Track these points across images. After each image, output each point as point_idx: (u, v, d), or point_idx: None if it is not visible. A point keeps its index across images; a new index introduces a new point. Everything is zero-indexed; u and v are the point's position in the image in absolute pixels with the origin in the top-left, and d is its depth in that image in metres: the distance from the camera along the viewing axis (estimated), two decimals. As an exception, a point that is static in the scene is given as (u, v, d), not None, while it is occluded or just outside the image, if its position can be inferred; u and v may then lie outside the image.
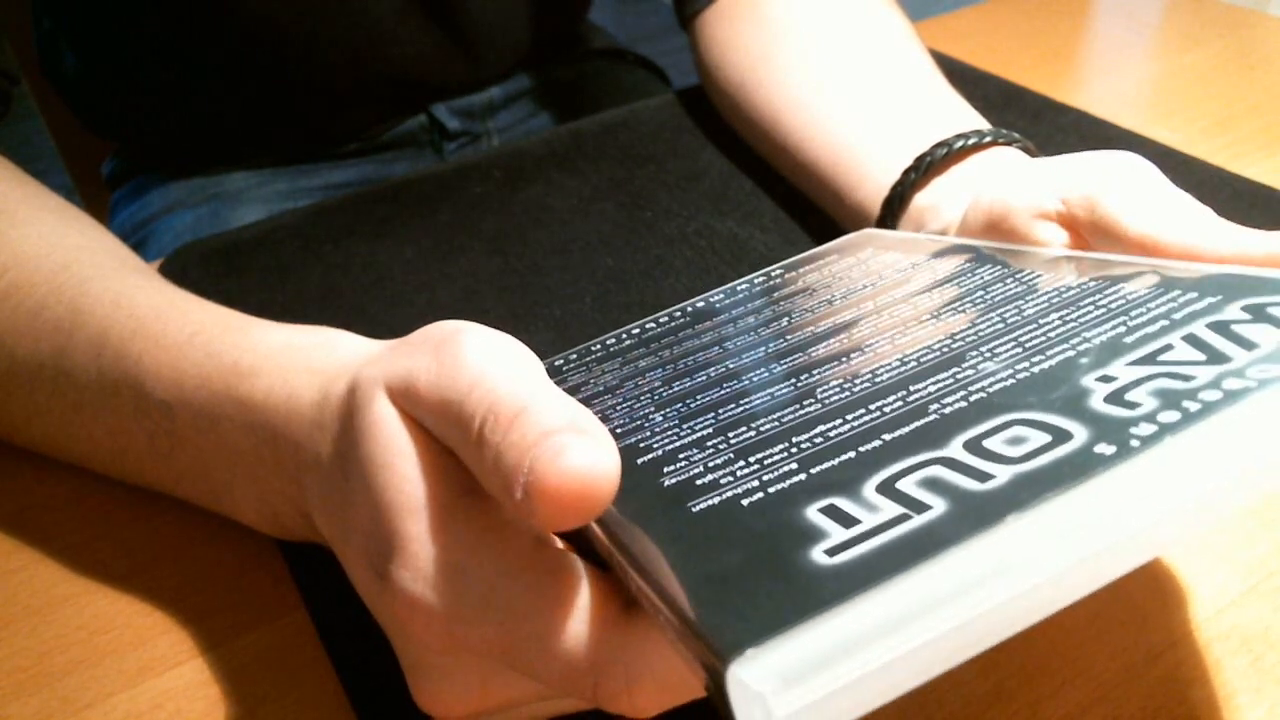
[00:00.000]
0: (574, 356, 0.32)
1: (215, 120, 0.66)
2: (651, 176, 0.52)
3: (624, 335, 0.33)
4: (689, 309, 0.33)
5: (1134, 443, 0.16)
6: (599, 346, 0.32)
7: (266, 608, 0.31)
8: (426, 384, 0.21)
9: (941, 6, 0.72)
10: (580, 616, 0.20)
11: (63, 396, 0.33)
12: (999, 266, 0.27)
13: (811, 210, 0.48)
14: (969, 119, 0.43)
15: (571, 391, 0.29)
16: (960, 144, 0.39)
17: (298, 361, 0.27)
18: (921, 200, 0.40)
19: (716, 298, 0.34)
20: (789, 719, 0.14)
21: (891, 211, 0.41)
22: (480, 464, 0.20)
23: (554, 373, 0.31)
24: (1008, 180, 0.33)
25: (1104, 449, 0.17)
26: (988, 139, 0.39)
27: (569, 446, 0.18)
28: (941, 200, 0.39)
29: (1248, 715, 0.27)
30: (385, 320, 0.43)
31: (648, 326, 0.33)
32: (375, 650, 0.28)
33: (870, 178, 0.42)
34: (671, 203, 0.50)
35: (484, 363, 0.21)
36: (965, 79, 0.59)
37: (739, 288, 0.34)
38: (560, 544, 0.23)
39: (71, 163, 0.81)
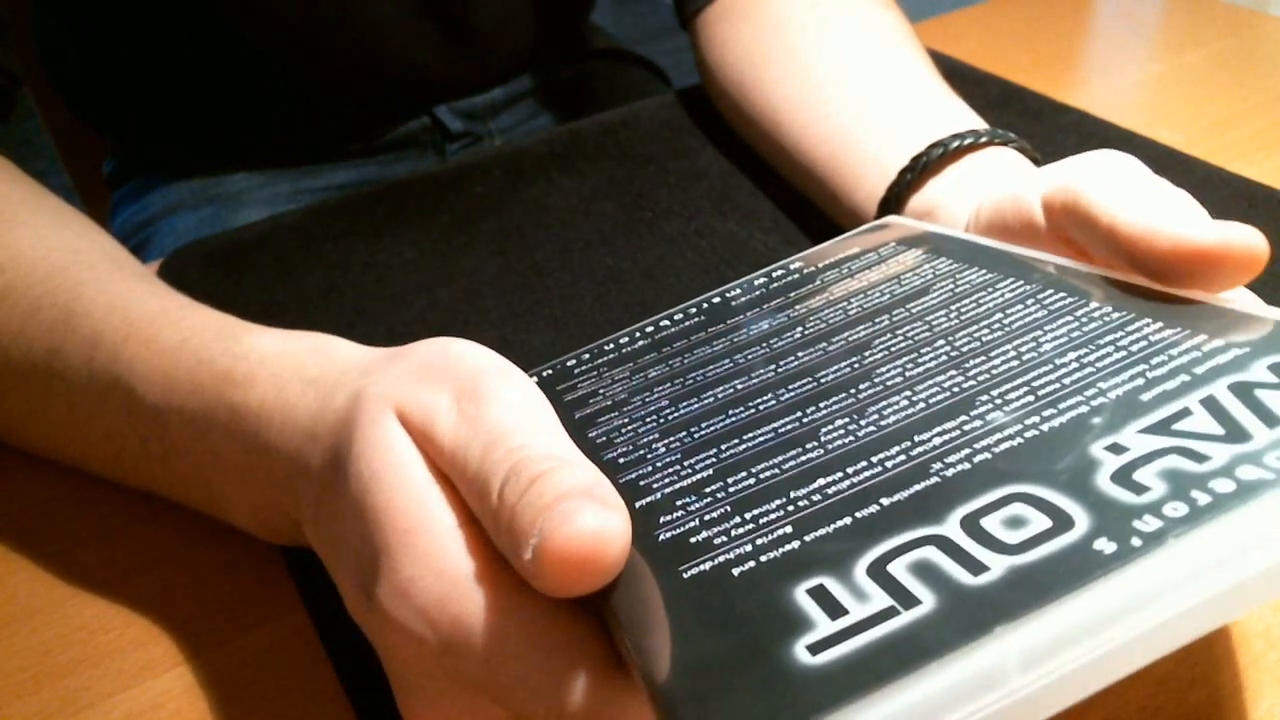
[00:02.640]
0: (586, 357, 0.32)
1: (217, 120, 0.66)
2: (651, 176, 0.52)
3: (637, 334, 0.32)
4: (704, 305, 0.33)
5: (1135, 540, 0.16)
6: (611, 346, 0.32)
7: (266, 608, 0.31)
8: (447, 430, 0.21)
9: (941, 6, 0.72)
10: (570, 664, 0.19)
11: (57, 398, 0.33)
12: (1020, 283, 0.27)
13: (812, 210, 0.48)
14: (967, 119, 0.43)
15: (581, 401, 0.29)
16: (956, 144, 0.39)
17: (291, 370, 0.27)
18: (918, 201, 0.40)
19: (733, 293, 0.33)
20: None
21: (888, 212, 0.41)
22: (494, 521, 0.20)
23: (566, 375, 0.31)
24: (1002, 187, 0.33)
25: (1104, 545, 0.16)
26: (984, 139, 0.39)
27: (580, 511, 0.18)
28: (939, 201, 0.39)
29: (1248, 715, 0.27)
30: (385, 320, 0.43)
31: (661, 324, 0.32)
32: (375, 650, 0.28)
33: (868, 178, 0.42)
34: (672, 203, 0.50)
35: (508, 420, 0.21)
36: (965, 79, 0.59)
37: (756, 283, 0.33)
38: None
39: (71, 163, 0.81)
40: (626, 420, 0.26)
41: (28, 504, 0.35)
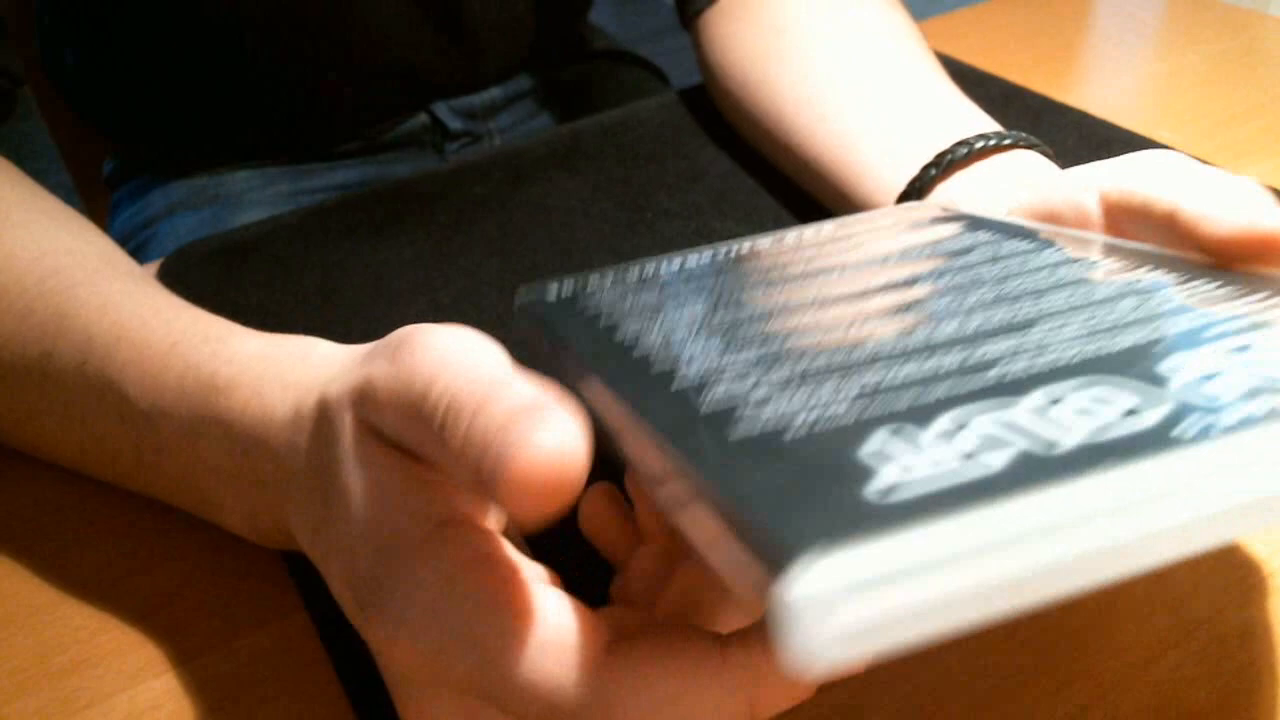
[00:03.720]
0: (608, 282, 0.30)
1: (216, 119, 0.66)
2: (651, 176, 0.52)
3: (663, 262, 0.31)
4: (734, 250, 0.32)
5: (1216, 430, 0.15)
6: (634, 274, 0.31)
7: (266, 608, 0.31)
8: (384, 388, 0.21)
9: (941, 6, 0.72)
10: (561, 657, 0.19)
11: (51, 401, 0.33)
12: (1067, 250, 0.26)
13: (812, 211, 0.48)
14: (978, 118, 0.43)
15: (596, 316, 0.27)
16: (981, 144, 0.39)
17: (271, 373, 0.27)
18: (936, 198, 0.39)
19: (764, 242, 0.32)
20: (841, 635, 0.13)
21: None
22: (446, 460, 0.19)
23: (586, 293, 0.29)
24: (1043, 182, 0.33)
25: (1184, 430, 0.16)
26: (1008, 141, 0.39)
27: (535, 427, 0.17)
28: (958, 200, 0.38)
29: (1247, 715, 0.27)
30: (385, 320, 0.43)
31: (689, 258, 0.31)
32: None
33: (878, 175, 0.42)
34: (671, 203, 0.50)
35: (439, 357, 0.20)
36: (965, 79, 0.59)
37: (788, 236, 0.33)
38: (542, 575, 0.22)
39: (71, 163, 0.81)
40: (657, 326, 0.26)
41: (27, 504, 0.35)
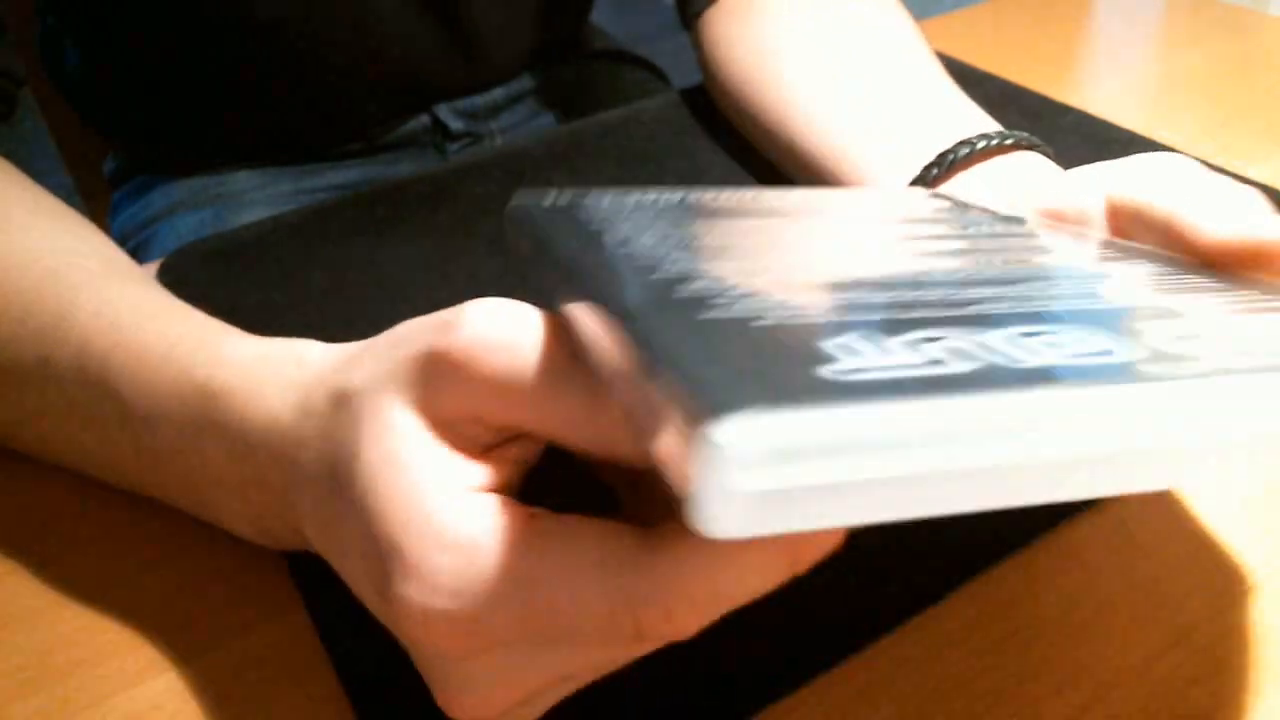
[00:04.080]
0: (606, 199, 0.30)
1: (217, 120, 0.66)
2: (651, 176, 0.52)
3: (665, 193, 0.31)
4: (739, 192, 0.31)
5: (1194, 370, 0.15)
6: (634, 197, 0.30)
7: (266, 608, 0.31)
8: (459, 349, 0.21)
9: (941, 6, 0.72)
10: (602, 565, 0.19)
11: (50, 404, 0.33)
12: (1054, 237, 0.26)
13: (811, 210, 0.48)
14: (979, 118, 0.43)
15: (586, 221, 0.27)
16: (983, 144, 0.39)
17: (269, 376, 0.27)
18: None
19: (769, 195, 0.32)
20: (759, 497, 0.12)
21: None
22: (567, 400, 0.20)
23: (576, 207, 0.29)
24: (1047, 183, 0.33)
25: (1157, 370, 0.15)
26: (1009, 140, 0.39)
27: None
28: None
29: (1248, 715, 0.27)
30: (385, 320, 0.42)
31: (693, 193, 0.31)
32: (375, 650, 0.28)
33: (877, 174, 0.42)
34: (671, 203, 0.50)
35: (520, 321, 0.21)
36: (965, 79, 0.59)
37: (791, 191, 0.32)
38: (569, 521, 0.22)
39: (72, 163, 0.81)
40: (651, 238, 0.25)
41: (27, 504, 0.35)
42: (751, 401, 0.13)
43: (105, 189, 0.74)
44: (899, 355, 0.15)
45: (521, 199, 0.29)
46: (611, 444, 0.21)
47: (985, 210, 0.31)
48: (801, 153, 0.47)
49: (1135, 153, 0.30)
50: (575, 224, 0.26)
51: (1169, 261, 0.25)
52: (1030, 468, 0.14)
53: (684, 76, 0.66)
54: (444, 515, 0.21)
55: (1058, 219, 0.31)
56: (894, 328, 0.17)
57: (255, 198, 0.66)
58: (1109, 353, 0.16)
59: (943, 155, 0.39)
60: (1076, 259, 0.24)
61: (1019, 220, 0.29)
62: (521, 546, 0.20)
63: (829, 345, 0.16)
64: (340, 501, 0.23)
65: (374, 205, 0.51)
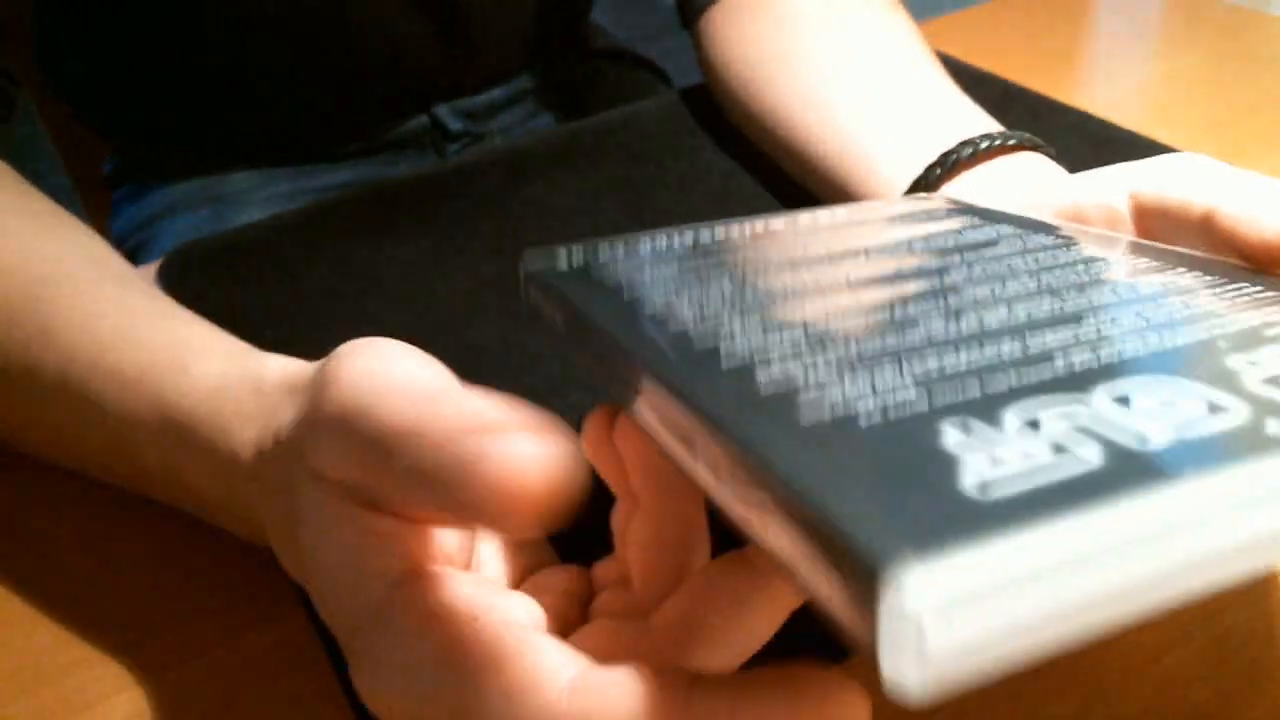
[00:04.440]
0: (620, 253, 0.29)
1: (216, 120, 0.66)
2: (651, 176, 0.52)
3: (674, 236, 0.30)
4: (748, 227, 0.30)
5: None
6: (646, 246, 0.29)
7: (266, 608, 0.31)
8: (323, 434, 0.20)
9: (941, 7, 0.72)
10: (533, 693, 0.19)
11: (38, 415, 0.33)
12: (1095, 247, 0.25)
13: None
14: (981, 119, 0.43)
15: (616, 288, 0.26)
16: (986, 144, 0.39)
17: (229, 409, 0.27)
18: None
19: (777, 224, 0.31)
20: (945, 654, 0.12)
21: None
22: (402, 494, 0.19)
23: (594, 267, 0.28)
24: (1070, 182, 0.32)
25: (1276, 429, 0.15)
26: (1012, 141, 0.39)
27: (489, 447, 0.16)
28: (964, 200, 0.38)
29: (1247, 715, 0.27)
30: (385, 320, 0.43)
31: (701, 233, 0.30)
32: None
33: (879, 174, 0.42)
34: (671, 203, 0.50)
35: (365, 386, 0.20)
36: (965, 79, 0.59)
37: (801, 218, 0.31)
38: (507, 611, 0.22)
39: (71, 163, 0.81)
40: (686, 300, 0.24)
41: (27, 504, 0.35)
42: (922, 550, 0.12)
43: (105, 190, 0.74)
44: (1021, 444, 0.15)
45: (534, 262, 0.29)
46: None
47: (1009, 218, 0.30)
48: (803, 153, 0.47)
49: (1135, 153, 0.30)
50: (606, 294, 0.26)
51: (1205, 266, 0.24)
52: (1217, 550, 0.13)
53: (684, 76, 0.66)
54: (385, 610, 0.20)
55: (1079, 219, 0.31)
56: (997, 403, 0.17)
57: (254, 198, 0.66)
58: (1218, 408, 0.16)
59: (945, 155, 0.39)
60: (1123, 276, 0.23)
61: (1050, 228, 0.28)
62: (450, 661, 0.19)
63: (947, 444, 0.15)
64: (300, 554, 0.23)
65: (374, 205, 0.51)
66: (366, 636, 0.20)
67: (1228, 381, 0.17)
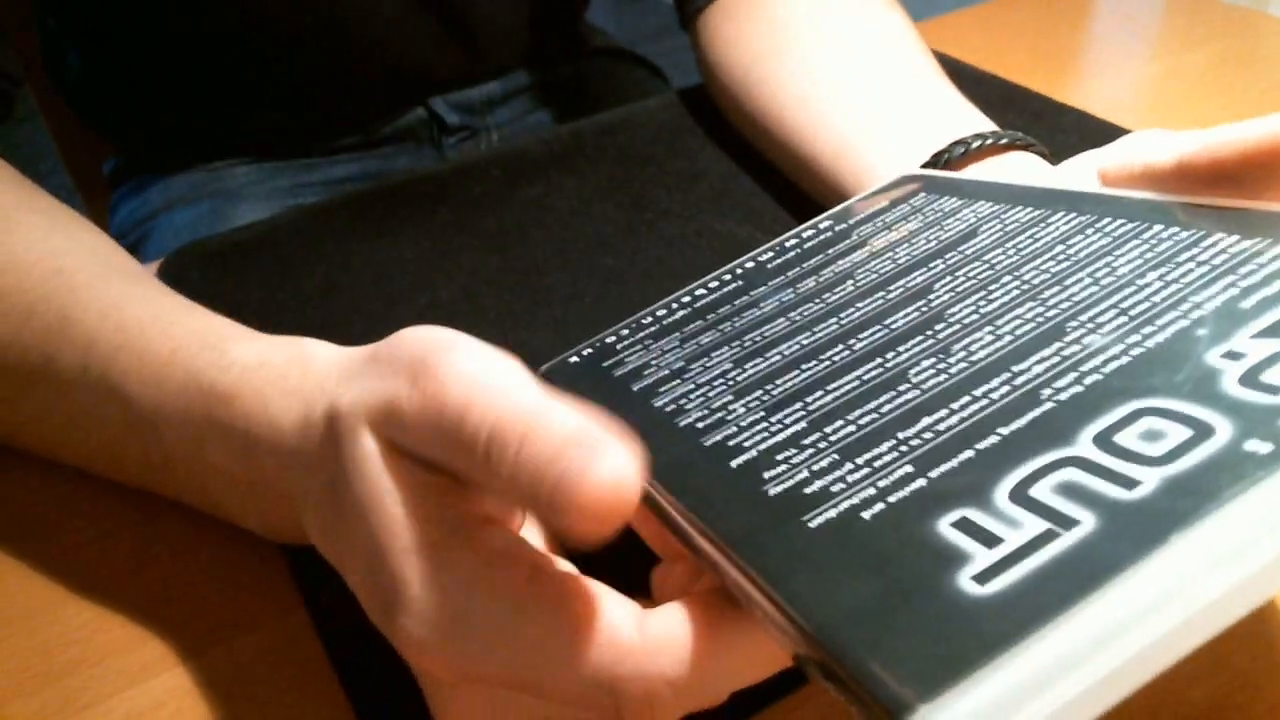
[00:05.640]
0: (625, 333, 0.30)
1: (214, 115, 0.66)
2: (651, 177, 0.52)
3: (674, 305, 0.31)
4: (739, 270, 0.32)
5: None
6: (650, 320, 0.31)
7: (266, 608, 0.31)
8: (412, 413, 0.21)
9: (941, 6, 0.72)
10: (589, 640, 0.19)
11: (55, 405, 0.33)
12: (1073, 214, 0.26)
13: (813, 211, 0.48)
14: (975, 118, 0.43)
15: (635, 374, 0.28)
16: (979, 143, 0.39)
17: (273, 382, 0.27)
18: None
19: (766, 256, 0.32)
20: None
21: None
22: (493, 485, 0.19)
23: (609, 351, 0.30)
24: (1043, 175, 0.33)
25: (1257, 446, 0.15)
26: (1005, 140, 0.39)
27: (592, 459, 0.18)
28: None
29: (1247, 714, 0.27)
30: (385, 320, 0.43)
31: (699, 294, 0.31)
32: (375, 650, 0.28)
33: (874, 172, 0.42)
34: (671, 203, 0.50)
35: (469, 384, 0.20)
36: (965, 79, 0.59)
37: (788, 244, 0.32)
38: (564, 565, 0.22)
39: (72, 163, 0.81)
40: (692, 386, 0.26)
41: (28, 504, 0.35)
42: (934, 689, 0.13)
43: (105, 189, 0.74)
44: (1012, 520, 0.16)
45: (549, 367, 0.30)
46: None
47: (987, 189, 0.30)
48: (797, 153, 0.47)
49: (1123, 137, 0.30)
50: (616, 384, 0.27)
51: (1179, 216, 0.24)
52: (1206, 611, 0.14)
53: (684, 76, 0.66)
54: (446, 554, 0.20)
55: None
56: (985, 481, 0.17)
57: (252, 193, 0.66)
58: (1207, 431, 0.16)
59: (938, 155, 0.39)
60: (1101, 249, 0.23)
61: (1022, 194, 0.28)
62: (516, 604, 0.20)
63: (948, 532, 0.16)
64: (342, 520, 0.23)
65: (373, 205, 0.51)
66: (420, 579, 0.20)
67: (1208, 388, 0.17)
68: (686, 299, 0.31)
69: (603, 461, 0.18)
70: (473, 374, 0.21)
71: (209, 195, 0.66)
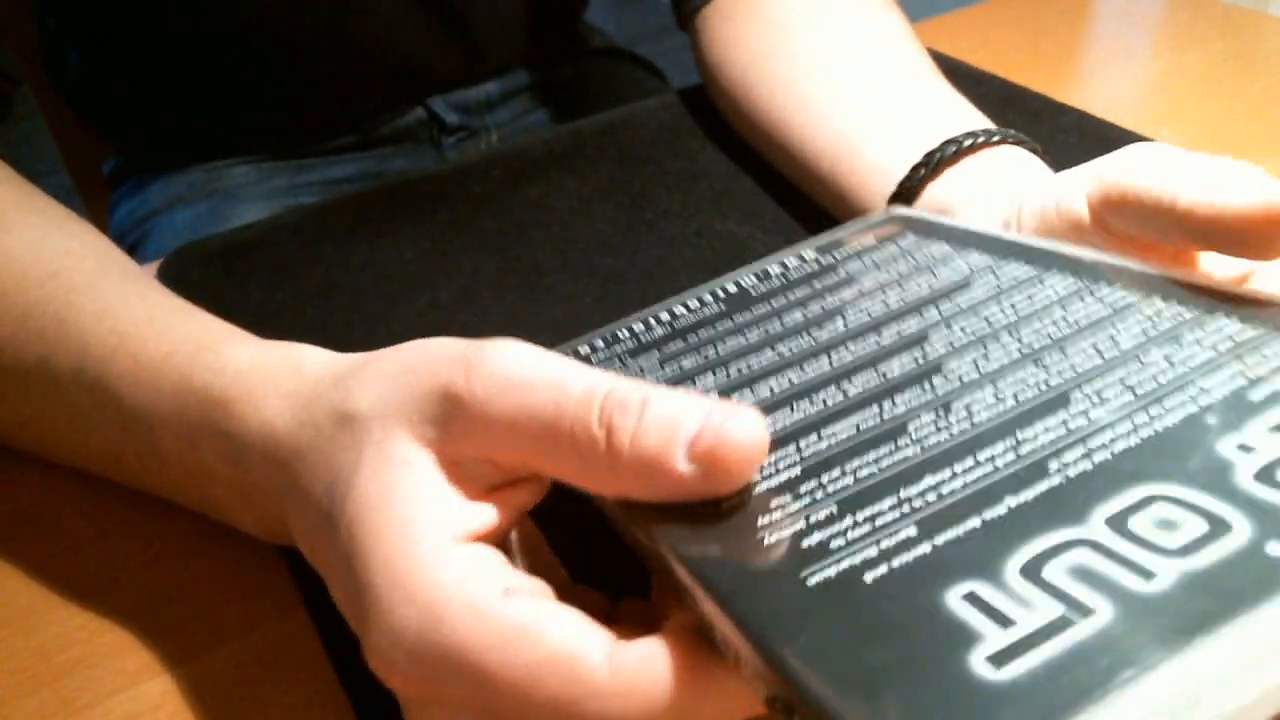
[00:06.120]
0: (600, 344, 0.30)
1: (213, 115, 0.66)
2: (651, 177, 0.52)
3: (653, 321, 0.30)
4: (719, 292, 0.31)
5: None
6: (627, 334, 0.30)
7: (266, 608, 0.31)
8: (496, 407, 0.21)
9: (941, 6, 0.72)
10: (555, 674, 0.19)
11: (51, 406, 0.33)
12: (1068, 277, 0.25)
13: (812, 210, 0.48)
14: (973, 117, 0.43)
15: None
16: (969, 141, 0.39)
17: (266, 385, 0.27)
18: (930, 197, 0.39)
19: (748, 280, 0.31)
20: None
21: None
22: (607, 459, 0.20)
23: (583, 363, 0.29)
24: (1037, 189, 0.32)
25: (1276, 550, 0.15)
26: (996, 138, 0.39)
27: (732, 415, 0.19)
28: (953, 197, 0.38)
29: (1247, 715, 0.27)
30: (385, 320, 0.43)
31: (678, 312, 0.30)
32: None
33: (874, 175, 0.42)
34: (671, 203, 0.50)
35: (545, 370, 0.21)
36: (965, 79, 0.59)
37: (771, 270, 0.31)
38: (544, 590, 0.22)
39: (72, 163, 0.81)
40: None
41: (27, 504, 0.35)
42: None
43: (105, 189, 0.74)
44: (1033, 607, 0.15)
45: None
46: (627, 492, 0.21)
47: (978, 240, 0.29)
48: (794, 153, 0.47)
49: (1120, 149, 0.30)
50: None
51: (1177, 291, 0.23)
52: (1254, 700, 0.14)
53: (684, 76, 0.66)
54: (422, 570, 0.20)
55: (1046, 228, 0.31)
56: (995, 555, 0.17)
57: (251, 192, 0.66)
58: (1224, 528, 0.16)
59: (930, 154, 0.39)
60: (1102, 318, 0.23)
61: (1014, 250, 0.28)
62: (485, 633, 0.19)
63: (957, 605, 0.16)
64: (328, 523, 0.23)
65: (373, 205, 0.51)
66: (391, 600, 0.20)
67: (1222, 480, 0.17)
68: (665, 316, 0.30)
69: (740, 419, 0.19)
70: (535, 362, 0.21)
71: (208, 195, 0.66)
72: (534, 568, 0.26)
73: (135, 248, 0.67)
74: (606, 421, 0.20)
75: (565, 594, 0.25)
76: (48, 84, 0.71)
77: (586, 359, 0.30)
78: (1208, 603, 0.15)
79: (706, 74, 0.56)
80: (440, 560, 0.20)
